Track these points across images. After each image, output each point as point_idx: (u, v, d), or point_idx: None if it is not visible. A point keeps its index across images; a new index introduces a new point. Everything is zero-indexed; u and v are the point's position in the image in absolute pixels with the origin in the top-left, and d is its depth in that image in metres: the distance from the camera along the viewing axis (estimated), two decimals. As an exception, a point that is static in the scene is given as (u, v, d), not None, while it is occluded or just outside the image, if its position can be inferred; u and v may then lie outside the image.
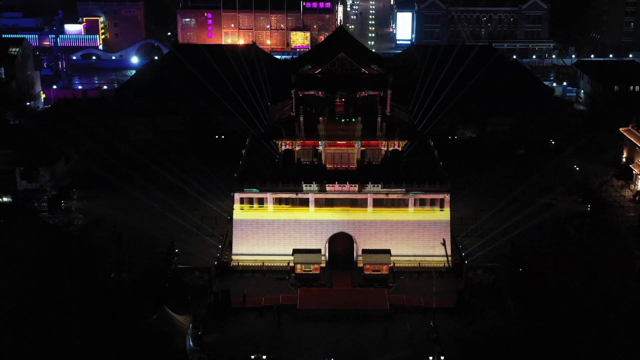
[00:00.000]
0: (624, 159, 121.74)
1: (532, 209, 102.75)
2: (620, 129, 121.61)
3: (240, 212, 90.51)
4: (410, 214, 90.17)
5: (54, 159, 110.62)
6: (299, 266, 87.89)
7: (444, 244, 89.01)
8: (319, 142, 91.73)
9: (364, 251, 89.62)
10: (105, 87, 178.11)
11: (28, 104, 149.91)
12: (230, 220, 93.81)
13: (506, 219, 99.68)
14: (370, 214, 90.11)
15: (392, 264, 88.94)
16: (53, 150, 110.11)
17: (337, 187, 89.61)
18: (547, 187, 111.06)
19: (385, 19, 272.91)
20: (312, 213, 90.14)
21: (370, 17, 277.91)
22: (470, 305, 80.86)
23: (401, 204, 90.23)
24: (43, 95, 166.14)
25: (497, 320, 79.01)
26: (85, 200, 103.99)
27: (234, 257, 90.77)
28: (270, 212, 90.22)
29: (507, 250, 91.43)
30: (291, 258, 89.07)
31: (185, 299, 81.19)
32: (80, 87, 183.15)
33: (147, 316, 73.96)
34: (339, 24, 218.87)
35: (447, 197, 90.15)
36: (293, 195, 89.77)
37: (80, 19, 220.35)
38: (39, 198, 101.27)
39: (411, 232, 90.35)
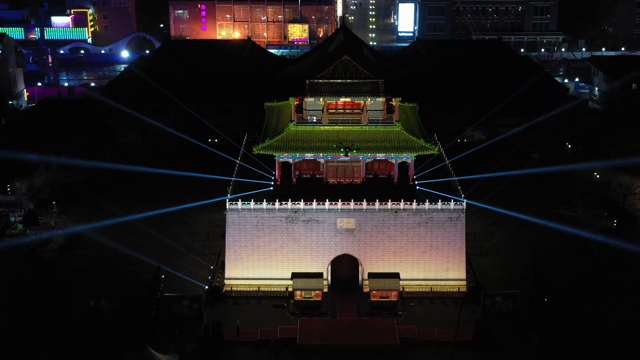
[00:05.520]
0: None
1: (551, 223, 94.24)
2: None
3: (233, 232, 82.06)
4: (421, 233, 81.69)
5: (32, 168, 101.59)
6: (298, 292, 79.63)
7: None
8: (320, 154, 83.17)
9: (370, 275, 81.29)
10: (92, 84, 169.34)
11: (10, 102, 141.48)
12: (223, 237, 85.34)
13: (523, 235, 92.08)
14: (376, 234, 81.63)
15: (401, 289, 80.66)
16: (31, 159, 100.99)
17: (340, 204, 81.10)
18: (566, 198, 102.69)
19: (387, 10, 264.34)
20: (312, 233, 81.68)
21: (371, 7, 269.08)
22: (490, 339, 72.59)
23: (411, 222, 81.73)
24: (27, 94, 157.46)
25: (520, 356, 70.81)
26: (64, 215, 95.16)
27: (227, 282, 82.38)
28: (267, 232, 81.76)
29: (529, 273, 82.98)
30: (290, 283, 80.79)
31: (172, 332, 73.16)
32: (66, 84, 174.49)
33: (128, 357, 66.18)
34: (338, 15, 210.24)
35: (462, 215, 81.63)
36: (292, 214, 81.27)
37: (68, 10, 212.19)
38: (13, 214, 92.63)
39: (422, 254, 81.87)
